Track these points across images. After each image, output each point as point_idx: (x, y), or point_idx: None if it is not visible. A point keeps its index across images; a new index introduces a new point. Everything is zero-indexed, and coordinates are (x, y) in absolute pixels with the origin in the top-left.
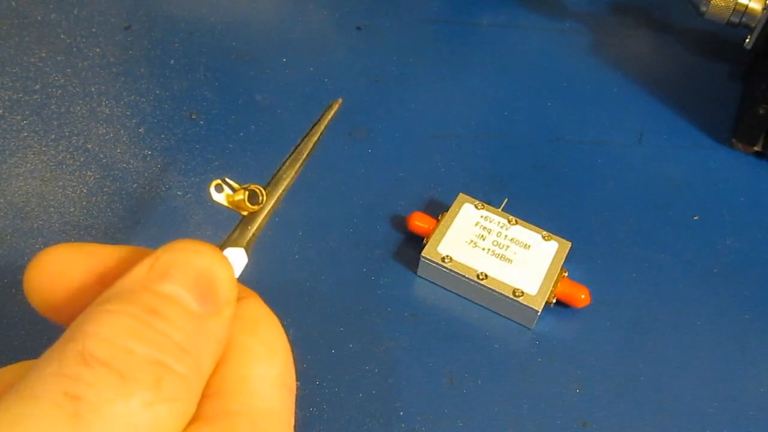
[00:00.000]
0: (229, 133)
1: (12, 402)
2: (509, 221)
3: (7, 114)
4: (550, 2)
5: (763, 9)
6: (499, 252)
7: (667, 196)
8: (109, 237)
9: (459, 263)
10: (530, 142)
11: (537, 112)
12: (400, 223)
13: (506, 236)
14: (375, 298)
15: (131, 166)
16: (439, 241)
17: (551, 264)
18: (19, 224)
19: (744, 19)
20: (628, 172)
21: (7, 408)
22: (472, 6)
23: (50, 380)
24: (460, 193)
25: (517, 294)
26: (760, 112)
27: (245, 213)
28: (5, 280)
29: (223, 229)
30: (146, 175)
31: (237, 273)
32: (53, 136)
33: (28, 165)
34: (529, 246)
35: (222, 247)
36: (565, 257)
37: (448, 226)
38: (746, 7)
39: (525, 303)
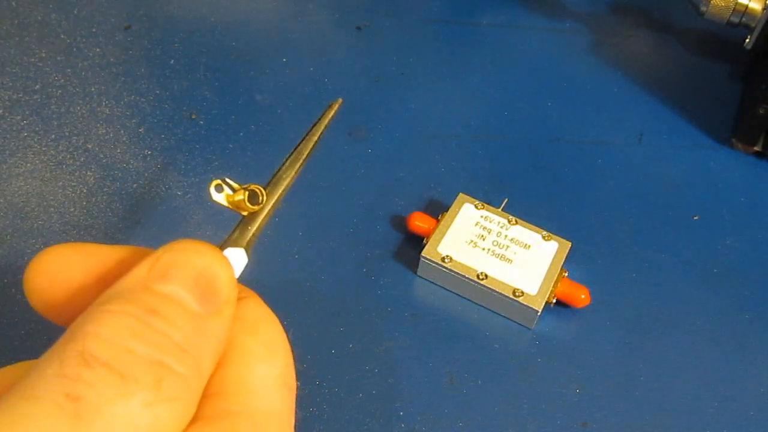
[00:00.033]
0: (229, 133)
1: (13, 402)
2: (509, 221)
3: (7, 114)
4: (550, 2)
5: (763, 9)
6: (499, 252)
7: (667, 196)
8: (109, 237)
9: (459, 263)
10: (530, 142)
11: (537, 112)
12: (400, 223)
13: (506, 236)
14: (375, 298)
15: (131, 166)
16: (439, 241)
17: (551, 264)
18: (19, 224)
19: (744, 19)
20: (628, 172)
21: (8, 408)
22: (472, 6)
23: (51, 381)
24: (460, 193)
25: (517, 294)
26: (760, 112)
27: (245, 213)
28: (5, 280)
29: (223, 229)
30: (146, 175)
31: (237, 273)
32: (53, 136)
33: (28, 165)
34: (529, 246)
35: (222, 247)
36: (565, 257)
37: (448, 226)
38: (746, 7)
39: (525, 303)
